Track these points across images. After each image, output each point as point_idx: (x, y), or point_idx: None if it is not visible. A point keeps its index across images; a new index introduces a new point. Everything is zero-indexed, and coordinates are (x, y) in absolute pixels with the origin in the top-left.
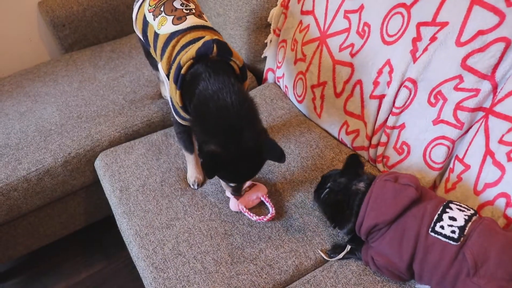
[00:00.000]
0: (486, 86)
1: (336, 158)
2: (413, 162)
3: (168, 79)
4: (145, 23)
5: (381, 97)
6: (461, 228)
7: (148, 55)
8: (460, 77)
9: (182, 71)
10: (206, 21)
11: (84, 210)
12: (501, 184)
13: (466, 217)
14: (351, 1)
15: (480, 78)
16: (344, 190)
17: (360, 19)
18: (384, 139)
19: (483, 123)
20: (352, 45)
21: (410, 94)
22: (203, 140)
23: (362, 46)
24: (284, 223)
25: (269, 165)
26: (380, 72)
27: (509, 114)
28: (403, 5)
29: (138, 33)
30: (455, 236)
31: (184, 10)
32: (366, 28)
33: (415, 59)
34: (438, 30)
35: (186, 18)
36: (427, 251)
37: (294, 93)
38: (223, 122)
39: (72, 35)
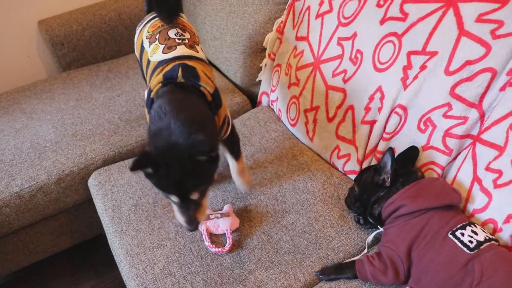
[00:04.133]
0: (473, 114)
1: (328, 181)
2: None
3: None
4: (142, 49)
5: (372, 123)
6: (479, 242)
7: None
8: (448, 105)
9: (152, 95)
10: (197, 52)
11: (76, 228)
12: (488, 210)
13: (487, 238)
14: (345, 28)
15: (468, 106)
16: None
17: (353, 46)
18: (374, 163)
19: (471, 150)
20: (345, 71)
21: (401, 120)
22: (146, 145)
23: (354, 73)
24: (274, 245)
25: (262, 187)
26: (371, 98)
27: (496, 142)
28: (394, 34)
29: (138, 58)
30: (471, 246)
31: (176, 40)
32: (358, 55)
33: (405, 86)
34: (428, 59)
35: (176, 48)
36: (439, 252)
37: (287, 116)
38: (159, 125)
39: (70, 54)
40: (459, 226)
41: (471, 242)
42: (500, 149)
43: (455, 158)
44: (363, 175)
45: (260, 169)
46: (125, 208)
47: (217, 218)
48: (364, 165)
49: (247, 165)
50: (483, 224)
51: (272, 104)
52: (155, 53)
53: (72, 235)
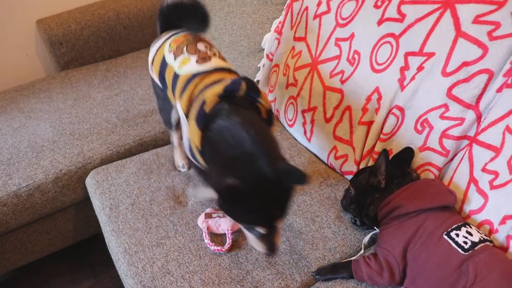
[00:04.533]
0: (470, 115)
1: (325, 183)
2: None
3: (187, 119)
4: (163, 65)
5: (370, 123)
6: (474, 243)
7: (161, 110)
8: (445, 106)
9: (206, 108)
10: (230, 65)
11: (73, 227)
12: (484, 211)
13: (482, 238)
14: (342, 29)
15: (465, 108)
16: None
17: (350, 47)
18: (371, 165)
19: (468, 151)
20: (342, 72)
21: (398, 121)
22: (218, 175)
23: (352, 73)
24: None
25: None
26: (369, 99)
27: (492, 143)
28: (392, 35)
29: (154, 76)
30: (466, 246)
31: (208, 52)
32: (356, 56)
33: (402, 87)
34: (425, 60)
35: (211, 59)
36: (434, 252)
37: (285, 117)
38: (238, 151)
39: (69, 53)
40: (454, 226)
41: (465, 243)
42: (497, 150)
43: (451, 159)
44: (359, 176)
45: None
46: (123, 207)
47: (219, 217)
48: (361, 166)
49: None
50: (479, 225)
51: None
52: (185, 65)
53: (69, 234)
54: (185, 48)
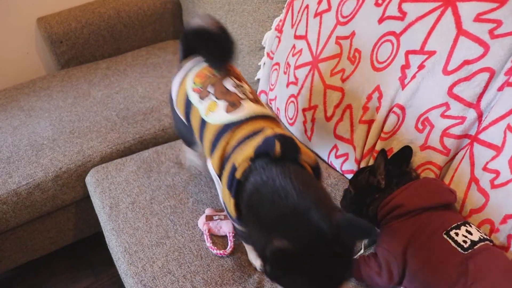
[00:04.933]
0: (471, 114)
1: (325, 182)
2: None
3: (221, 181)
4: (188, 105)
5: (370, 122)
6: (474, 242)
7: (181, 131)
8: (446, 105)
9: (237, 174)
10: (264, 106)
11: (73, 225)
12: (485, 210)
13: (482, 237)
14: (343, 27)
15: (466, 106)
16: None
17: (351, 45)
18: (370, 164)
19: (468, 150)
20: (343, 70)
21: (398, 120)
22: (262, 239)
23: (352, 72)
24: None
25: None
26: (369, 98)
27: (493, 142)
28: (393, 33)
29: (180, 114)
30: (465, 246)
31: (238, 94)
32: (357, 54)
33: (403, 86)
34: (426, 59)
35: (242, 105)
36: (433, 252)
37: (285, 115)
38: (282, 207)
39: (69, 52)
40: (453, 226)
41: (465, 242)
42: (498, 149)
43: (452, 158)
44: (358, 176)
45: None
46: (123, 206)
47: (220, 219)
48: (362, 165)
49: None
50: (480, 225)
51: (270, 103)
52: (213, 112)
53: (69, 233)
54: (211, 89)
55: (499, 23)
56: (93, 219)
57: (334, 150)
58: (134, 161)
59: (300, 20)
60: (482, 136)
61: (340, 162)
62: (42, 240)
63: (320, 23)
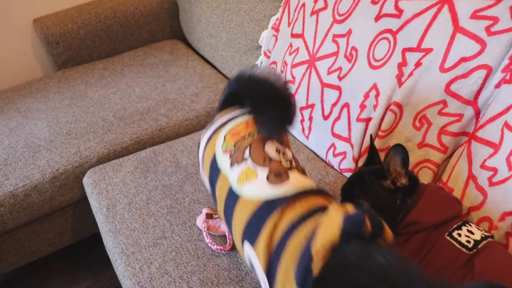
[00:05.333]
0: (469, 111)
1: (323, 180)
2: None
3: (266, 276)
4: (214, 168)
5: (368, 120)
6: (477, 242)
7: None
8: (444, 102)
9: (315, 268)
10: (310, 178)
11: (71, 227)
12: (483, 208)
13: (484, 236)
14: (340, 25)
15: (464, 104)
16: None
17: (348, 43)
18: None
19: (466, 148)
20: (340, 68)
21: (396, 117)
22: None
23: (349, 70)
24: None
25: None
26: (366, 96)
27: (491, 139)
28: (389, 31)
29: (205, 179)
30: (470, 245)
31: (283, 161)
32: (353, 52)
33: (400, 84)
34: (423, 56)
35: (289, 177)
36: (439, 254)
37: None
38: None
39: (66, 53)
40: (455, 226)
41: (468, 242)
42: (495, 147)
43: (450, 156)
44: (364, 187)
45: None
46: (120, 206)
47: (219, 218)
48: (360, 163)
49: None
50: (479, 222)
51: None
52: (250, 182)
53: (68, 234)
54: (248, 152)
55: (495, 20)
56: (91, 220)
57: (332, 149)
58: (131, 161)
59: (296, 19)
60: (479, 134)
61: (338, 160)
62: (40, 242)
63: (317, 21)
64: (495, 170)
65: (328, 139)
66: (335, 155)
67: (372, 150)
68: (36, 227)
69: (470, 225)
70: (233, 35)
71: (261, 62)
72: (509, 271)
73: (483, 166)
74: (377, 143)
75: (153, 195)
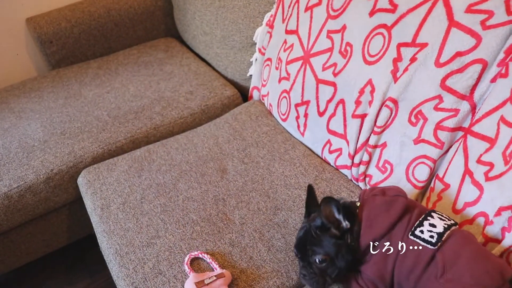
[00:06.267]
0: (465, 106)
1: (320, 176)
2: (397, 180)
3: None
4: None
5: (363, 116)
6: (440, 234)
7: None
8: (439, 97)
9: None
10: None
11: (67, 227)
12: (479, 203)
13: (446, 226)
14: (334, 21)
15: (459, 99)
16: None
17: (342, 39)
18: (366, 157)
19: (462, 143)
20: (335, 64)
21: (391, 113)
22: None
23: (344, 66)
24: (266, 243)
25: (253, 183)
26: (362, 92)
27: (487, 134)
28: (384, 26)
29: None
30: (433, 240)
31: None
32: (348, 48)
33: (395, 79)
34: (418, 51)
35: None
36: (406, 256)
37: (278, 111)
38: None
39: (60, 52)
40: (416, 224)
41: (432, 237)
42: (491, 142)
43: (446, 151)
44: (315, 243)
45: (252, 164)
46: (114, 206)
47: (214, 281)
48: (356, 160)
49: (239, 158)
50: (474, 218)
51: (263, 99)
52: None
53: (64, 235)
54: None
55: (490, 13)
56: (87, 220)
57: (328, 145)
58: (125, 160)
59: (291, 15)
60: (475, 129)
61: (333, 157)
62: (35, 243)
63: (311, 17)
64: (491, 165)
65: (323, 135)
66: (331, 152)
67: (310, 196)
68: (32, 228)
69: (432, 217)
70: (227, 32)
71: (256, 59)
72: (472, 259)
73: (479, 161)
74: (373, 139)
75: (147, 194)
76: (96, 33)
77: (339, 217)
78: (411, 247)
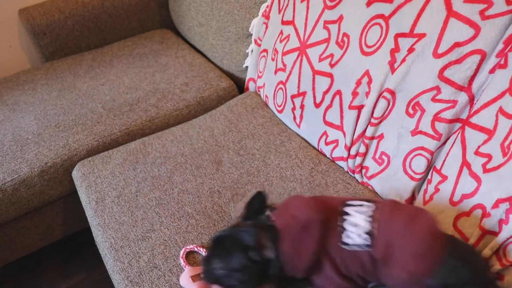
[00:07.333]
0: (463, 97)
1: (315, 168)
2: (393, 172)
3: None
4: None
5: (360, 108)
6: (370, 232)
7: None
8: (437, 88)
9: None
10: None
11: (62, 221)
12: (477, 195)
13: (369, 218)
14: (331, 11)
15: (457, 90)
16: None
17: (339, 29)
18: (362, 149)
19: (460, 134)
20: (331, 55)
21: (389, 104)
22: None
23: (341, 57)
24: None
25: (249, 175)
26: (358, 83)
27: (485, 125)
28: (381, 16)
29: None
30: (368, 242)
31: None
32: (345, 39)
33: (393, 70)
34: (416, 41)
35: None
36: (347, 263)
37: (274, 103)
38: None
39: (53, 44)
40: (339, 230)
41: (365, 239)
42: (489, 133)
43: (444, 142)
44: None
45: (248, 156)
46: (108, 200)
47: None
48: (352, 151)
49: (234, 150)
50: (472, 210)
51: (259, 91)
52: None
53: (59, 228)
54: None
55: (489, 3)
56: (82, 214)
57: (324, 137)
58: (120, 153)
59: (287, 6)
60: (473, 120)
61: (330, 149)
62: (31, 236)
63: (308, 7)
64: (489, 157)
65: (320, 127)
66: (327, 143)
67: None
68: (26, 221)
69: (348, 214)
70: (223, 24)
71: (252, 51)
72: (400, 236)
73: (477, 153)
74: (370, 130)
75: (142, 187)
76: (90, 25)
77: (271, 245)
78: (351, 258)
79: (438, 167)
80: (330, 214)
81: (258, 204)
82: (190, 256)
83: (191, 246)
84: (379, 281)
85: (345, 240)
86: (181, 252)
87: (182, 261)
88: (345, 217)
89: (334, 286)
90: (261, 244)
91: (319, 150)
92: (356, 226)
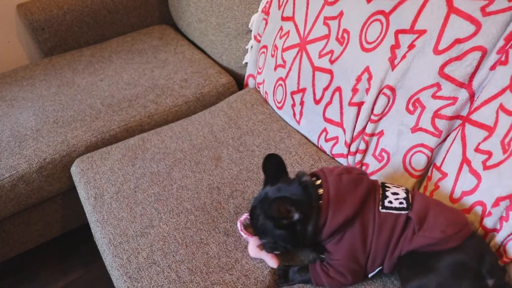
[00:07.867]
0: (463, 94)
1: (315, 165)
2: (394, 169)
3: None
4: None
5: (360, 104)
6: (406, 198)
7: None
8: (438, 85)
9: None
10: None
11: (61, 217)
12: (477, 192)
13: (404, 190)
14: (331, 7)
15: (458, 87)
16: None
17: (339, 25)
18: (362, 146)
19: (460, 131)
20: (331, 51)
21: (389, 101)
22: None
23: (341, 53)
24: None
25: (248, 172)
26: (359, 79)
27: (485, 122)
28: (381, 12)
29: None
30: (405, 205)
31: None
32: (345, 35)
33: (393, 67)
34: (416, 38)
35: None
36: (380, 230)
37: (274, 99)
38: None
39: (52, 39)
40: (381, 198)
41: (402, 203)
42: (490, 130)
43: (444, 139)
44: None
45: (247, 152)
46: (107, 196)
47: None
48: (352, 148)
49: (233, 146)
50: (472, 207)
51: (258, 87)
52: None
53: (58, 225)
54: None
55: (490, 0)
56: (80, 210)
57: (324, 134)
58: (119, 149)
59: (287, 1)
60: (474, 117)
61: (330, 145)
62: (29, 233)
63: (308, 3)
64: (489, 154)
65: (320, 123)
66: (327, 140)
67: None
68: (25, 218)
69: (389, 187)
70: (222, 19)
71: (251, 47)
72: (437, 209)
73: (477, 150)
74: (370, 127)
75: (140, 183)
76: (89, 20)
77: (291, 208)
78: (385, 220)
79: (438, 164)
80: (374, 184)
81: (273, 165)
82: (248, 227)
83: (244, 217)
84: (398, 248)
85: (387, 204)
86: (239, 226)
87: (243, 234)
88: (386, 188)
89: (345, 258)
90: (282, 211)
91: (319, 146)
92: (396, 195)
